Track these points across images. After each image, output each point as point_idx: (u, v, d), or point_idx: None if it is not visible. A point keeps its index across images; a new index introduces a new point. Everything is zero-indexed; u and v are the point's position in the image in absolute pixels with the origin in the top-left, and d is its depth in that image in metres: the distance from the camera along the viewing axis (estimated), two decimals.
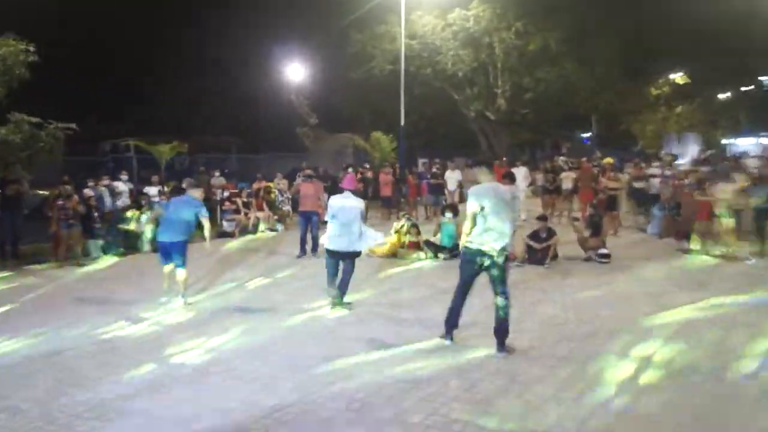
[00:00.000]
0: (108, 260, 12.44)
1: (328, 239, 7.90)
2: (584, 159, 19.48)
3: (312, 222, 12.34)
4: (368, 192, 19.28)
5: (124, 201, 14.95)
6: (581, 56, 28.61)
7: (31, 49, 12.53)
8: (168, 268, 8.46)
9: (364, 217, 8.19)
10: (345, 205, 7.90)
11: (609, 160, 16.69)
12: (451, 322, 6.41)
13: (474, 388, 5.33)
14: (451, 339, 6.41)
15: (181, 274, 8.36)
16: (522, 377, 5.55)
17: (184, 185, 9.63)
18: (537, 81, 28.91)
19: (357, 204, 7.96)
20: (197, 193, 8.72)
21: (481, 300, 7.09)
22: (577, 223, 12.55)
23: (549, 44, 27.90)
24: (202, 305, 8.53)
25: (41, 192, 17.86)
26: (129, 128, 26.92)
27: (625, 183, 16.80)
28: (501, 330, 6.14)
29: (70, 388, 5.46)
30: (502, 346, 6.14)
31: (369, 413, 4.87)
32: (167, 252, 8.41)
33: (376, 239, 8.16)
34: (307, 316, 7.85)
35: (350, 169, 15.50)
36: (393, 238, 12.55)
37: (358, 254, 8.04)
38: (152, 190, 15.46)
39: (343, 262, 7.93)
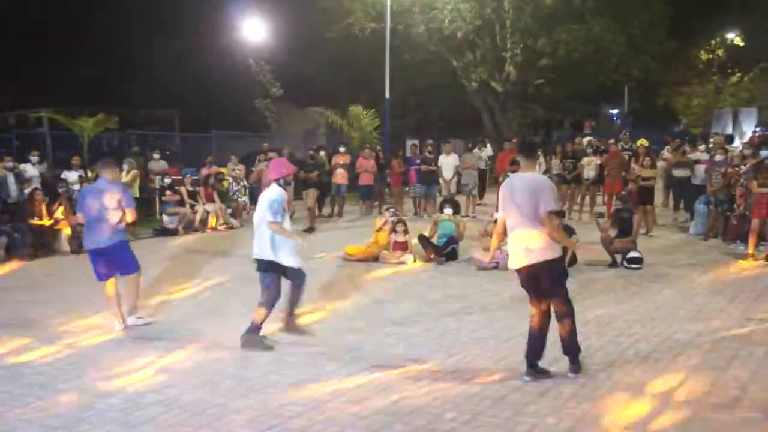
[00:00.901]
0: (14, 264, 12.35)
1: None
2: (612, 141, 19.60)
3: None
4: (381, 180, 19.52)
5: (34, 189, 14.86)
6: (612, 12, 28.70)
7: None
8: (111, 286, 8.10)
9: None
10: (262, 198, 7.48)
11: (643, 142, 16.85)
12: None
13: (473, 421, 5.38)
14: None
15: (131, 282, 8.15)
16: (532, 409, 5.61)
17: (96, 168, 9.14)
18: (556, 43, 29.03)
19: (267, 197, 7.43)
20: (110, 175, 8.28)
21: (481, 316, 7.16)
22: (602, 219, 12.65)
23: None
24: (135, 321, 8.52)
25: None
26: (41, 97, 26.67)
27: (662, 171, 16.94)
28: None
29: None
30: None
31: None
32: (103, 262, 8.07)
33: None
34: (265, 332, 7.85)
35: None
36: (374, 238, 12.61)
37: (280, 267, 7.45)
38: (71, 176, 15.36)
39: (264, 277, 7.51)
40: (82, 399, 5.92)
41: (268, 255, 7.31)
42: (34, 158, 15.73)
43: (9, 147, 19.23)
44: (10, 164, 14.67)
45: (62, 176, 15.31)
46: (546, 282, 6.27)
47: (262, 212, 7.36)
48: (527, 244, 6.23)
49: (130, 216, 8.15)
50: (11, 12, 30.22)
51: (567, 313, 6.34)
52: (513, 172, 13.34)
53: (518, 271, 6.43)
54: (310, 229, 15.93)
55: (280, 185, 7.44)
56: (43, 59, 31.46)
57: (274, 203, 7.27)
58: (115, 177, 8.45)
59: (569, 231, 11.39)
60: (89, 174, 16.06)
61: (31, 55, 31.28)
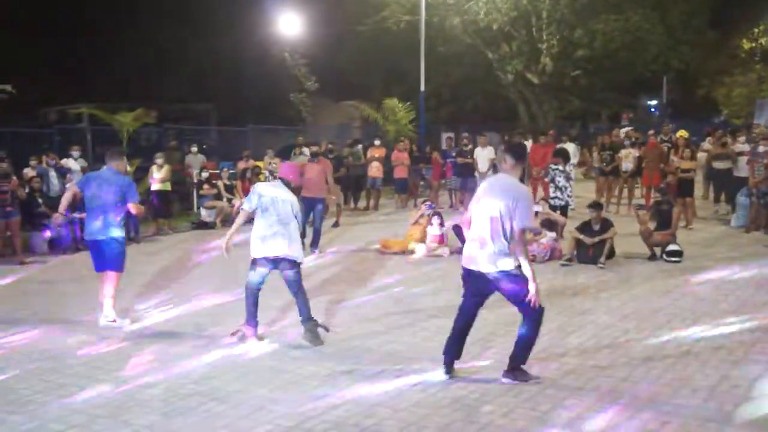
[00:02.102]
0: (57, 258, 12.57)
1: (258, 243, 7.36)
2: (651, 132, 19.38)
3: (316, 211, 12.48)
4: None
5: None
6: (650, 1, 28.36)
7: None
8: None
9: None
10: (278, 196, 7.41)
11: (683, 133, 16.64)
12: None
13: (511, 413, 5.38)
14: None
15: (111, 279, 8.08)
16: (571, 401, 5.59)
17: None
18: (593, 34, 28.75)
19: (292, 198, 7.50)
20: (117, 165, 8.26)
21: (498, 316, 7.15)
22: (641, 212, 12.54)
23: None
24: (173, 312, 8.65)
25: None
26: (81, 93, 27.04)
27: (702, 163, 16.71)
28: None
29: (10, 415, 5.55)
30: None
31: None
32: (97, 253, 8.09)
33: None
34: (300, 327, 7.91)
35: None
36: (409, 230, 12.63)
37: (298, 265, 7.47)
38: (73, 165, 15.43)
39: (281, 273, 7.45)
40: (123, 389, 6.02)
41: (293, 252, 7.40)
42: (75, 153, 15.95)
43: (51, 142, 19.52)
44: (52, 160, 14.90)
45: (61, 162, 15.40)
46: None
47: (289, 211, 7.42)
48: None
49: (134, 209, 8.18)
50: (54, 12, 30.74)
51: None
52: (555, 164, 13.34)
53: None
54: (336, 224, 15.80)
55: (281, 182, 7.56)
56: (83, 56, 31.90)
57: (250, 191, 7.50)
58: (121, 168, 8.41)
59: (607, 223, 11.32)
60: (129, 168, 16.24)
61: (72, 52, 31.75)
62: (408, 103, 26.58)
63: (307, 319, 7.31)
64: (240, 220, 7.52)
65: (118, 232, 8.05)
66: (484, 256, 5.85)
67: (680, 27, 29.71)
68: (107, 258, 8.04)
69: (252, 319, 7.39)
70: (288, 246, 7.29)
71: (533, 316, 5.93)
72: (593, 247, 11.01)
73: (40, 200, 13.28)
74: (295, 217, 7.35)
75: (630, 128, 21.21)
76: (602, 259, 10.85)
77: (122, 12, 32.28)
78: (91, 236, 8.05)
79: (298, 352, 6.99)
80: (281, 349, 7.10)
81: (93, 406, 5.67)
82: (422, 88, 25.30)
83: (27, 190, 13.15)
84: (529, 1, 28.71)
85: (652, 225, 11.62)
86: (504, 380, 6.00)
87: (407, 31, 28.68)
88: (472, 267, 5.96)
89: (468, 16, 29.04)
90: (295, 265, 7.35)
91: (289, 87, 31.54)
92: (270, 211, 7.31)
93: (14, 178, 12.70)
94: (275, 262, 7.31)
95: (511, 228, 5.75)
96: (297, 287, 7.35)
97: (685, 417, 5.30)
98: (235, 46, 32.07)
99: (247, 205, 7.46)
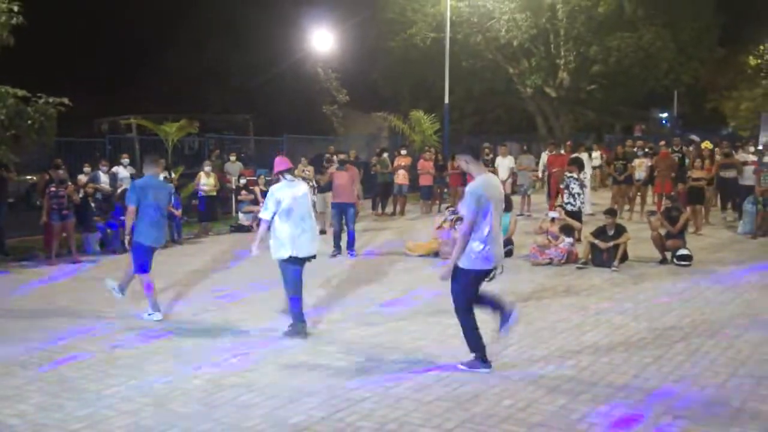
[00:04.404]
0: (108, 257, 12.72)
1: (293, 243, 7.19)
2: (663, 143, 19.24)
3: (348, 215, 12.52)
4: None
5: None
6: (662, 20, 28.14)
7: (15, 8, 12.16)
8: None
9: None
10: (296, 194, 7.30)
11: (707, 144, 16.49)
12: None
13: (529, 408, 5.36)
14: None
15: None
16: (586, 396, 5.55)
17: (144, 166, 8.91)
18: (608, 50, 28.60)
19: (306, 188, 7.55)
20: (156, 172, 8.37)
21: (536, 308, 7.11)
22: (653, 218, 12.42)
23: (623, 6, 27.52)
24: (215, 311, 8.72)
25: (28, 178, 18.41)
26: (129, 105, 27.36)
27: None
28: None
29: (65, 402, 5.63)
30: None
31: None
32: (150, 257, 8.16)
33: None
34: (335, 324, 7.96)
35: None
36: (434, 235, 12.61)
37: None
38: (122, 172, 15.59)
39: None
40: (168, 380, 6.08)
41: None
42: (125, 161, 16.14)
43: (103, 151, 19.78)
44: (105, 167, 15.10)
45: (113, 170, 15.57)
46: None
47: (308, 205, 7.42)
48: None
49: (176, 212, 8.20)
50: (107, 31, 31.17)
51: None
52: (570, 173, 13.31)
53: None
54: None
55: (285, 178, 7.43)
56: (132, 71, 32.32)
57: (267, 196, 7.32)
58: (158, 173, 8.52)
59: (621, 229, 11.22)
60: (173, 175, 16.42)
61: (123, 67, 32.25)
62: (433, 114, 26.59)
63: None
64: (263, 229, 7.39)
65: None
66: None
67: (691, 44, 29.46)
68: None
69: (302, 313, 7.38)
70: (316, 244, 7.36)
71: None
72: (607, 251, 10.93)
73: (92, 204, 13.45)
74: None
75: (641, 140, 21.02)
76: (616, 263, 10.76)
77: (168, 30, 32.64)
78: (156, 243, 8.11)
79: (330, 348, 7.01)
80: (314, 345, 7.12)
81: (140, 395, 5.74)
82: (446, 100, 25.30)
83: (81, 195, 13.32)
84: (548, 19, 28.62)
85: (663, 230, 11.52)
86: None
87: (433, 47, 28.71)
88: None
89: (490, 33, 29.01)
90: (312, 260, 7.42)
91: (322, 99, 31.67)
92: (294, 211, 7.23)
93: (70, 183, 12.89)
94: (305, 260, 7.33)
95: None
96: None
97: (694, 412, 5.26)
98: (271, 61, 32.27)
99: (266, 213, 7.28)
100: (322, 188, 16.03)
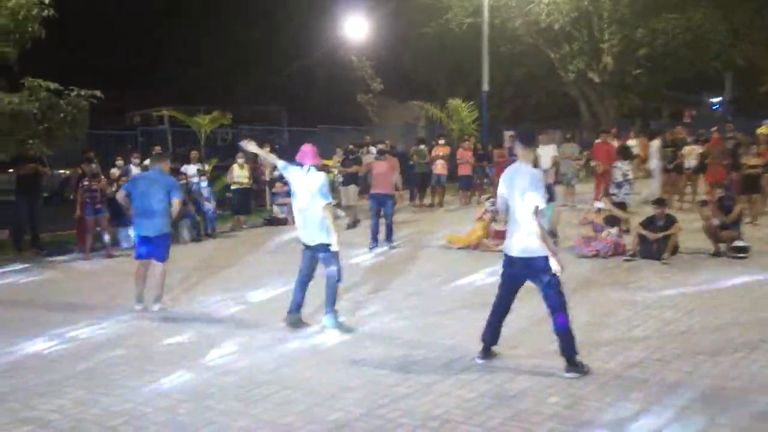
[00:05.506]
0: None
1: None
2: (715, 129, 18.89)
3: (386, 207, 12.52)
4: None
5: None
6: (713, 0, 27.62)
7: (46, 0, 12.44)
8: (142, 267, 8.54)
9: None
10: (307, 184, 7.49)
11: (764, 129, 16.15)
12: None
13: (576, 405, 5.31)
14: None
15: (159, 272, 8.48)
16: (637, 394, 5.48)
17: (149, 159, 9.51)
18: (654, 33, 28.10)
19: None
20: (165, 166, 8.78)
21: (582, 301, 7.03)
22: (705, 208, 12.21)
23: None
24: (251, 304, 8.80)
25: (62, 171, 18.75)
26: (161, 96, 27.68)
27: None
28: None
29: (102, 397, 5.74)
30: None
31: None
32: (146, 246, 8.50)
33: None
34: (374, 318, 7.97)
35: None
36: (474, 226, 12.56)
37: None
38: (191, 169, 15.85)
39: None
40: (204, 376, 6.16)
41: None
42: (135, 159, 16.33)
43: (135, 143, 20.06)
44: (137, 159, 15.28)
45: (182, 170, 15.82)
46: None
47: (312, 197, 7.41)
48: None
49: (177, 205, 8.50)
50: (138, 24, 31.53)
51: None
52: (622, 161, 13.18)
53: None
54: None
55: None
56: (165, 62, 32.64)
57: (323, 187, 7.40)
58: (167, 168, 8.91)
59: (671, 219, 11.05)
60: (206, 167, 16.59)
61: (155, 58, 32.57)
62: (471, 102, 26.44)
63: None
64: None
65: (168, 227, 8.55)
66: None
67: (744, 25, 28.83)
68: (157, 250, 8.46)
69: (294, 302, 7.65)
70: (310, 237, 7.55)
71: (555, 303, 5.97)
72: (657, 243, 10.77)
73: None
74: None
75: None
76: (666, 255, 10.60)
77: (201, 21, 32.94)
78: (146, 232, 8.42)
79: (369, 342, 7.04)
80: (352, 339, 7.15)
81: (177, 391, 5.82)
82: (485, 87, 25.13)
83: (114, 189, 13.51)
84: (590, 1, 28.23)
85: (716, 221, 11.29)
86: (566, 375, 5.91)
87: (470, 32, 28.50)
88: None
89: (530, 17, 28.71)
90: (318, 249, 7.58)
91: (356, 88, 31.70)
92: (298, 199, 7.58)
93: (103, 177, 13.08)
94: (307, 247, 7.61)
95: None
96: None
97: (753, 413, 5.15)
98: (304, 50, 32.39)
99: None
100: (346, 180, 16.07)
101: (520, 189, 5.96)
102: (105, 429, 5.13)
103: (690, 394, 5.49)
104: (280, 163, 7.88)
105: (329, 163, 19.31)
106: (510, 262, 6.20)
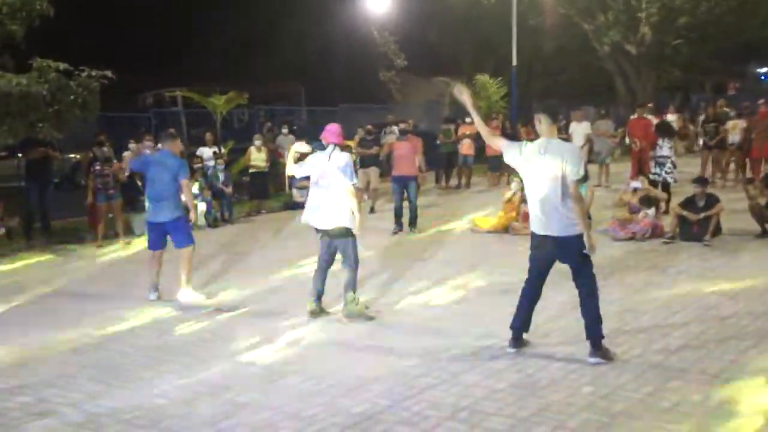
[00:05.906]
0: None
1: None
2: (761, 101, 18.60)
3: (409, 189, 12.51)
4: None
5: None
6: None
7: None
8: (158, 253, 8.63)
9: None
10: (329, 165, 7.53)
11: None
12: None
13: (612, 395, 5.30)
14: None
15: (185, 256, 8.53)
16: (676, 383, 5.46)
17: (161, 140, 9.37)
18: (696, 0, 27.67)
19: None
20: (175, 147, 8.77)
21: (618, 287, 6.99)
22: (750, 186, 12.07)
23: None
24: (271, 293, 8.87)
25: (72, 156, 18.92)
26: (174, 76, 27.78)
27: None
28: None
29: (116, 390, 5.83)
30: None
31: (479, 424, 4.94)
32: (157, 234, 8.58)
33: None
34: (399, 306, 8.00)
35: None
36: (503, 209, 12.53)
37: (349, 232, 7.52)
38: (206, 152, 15.92)
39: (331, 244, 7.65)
40: (225, 367, 6.22)
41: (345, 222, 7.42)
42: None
43: (148, 126, 20.17)
44: (150, 142, 15.34)
45: (197, 153, 15.89)
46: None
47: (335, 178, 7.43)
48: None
49: (185, 186, 8.52)
50: (149, 5, 31.64)
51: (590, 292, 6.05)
52: (662, 139, 13.05)
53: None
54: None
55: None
56: (178, 41, 32.69)
57: (348, 167, 7.44)
58: (177, 150, 8.89)
59: (713, 199, 10.93)
60: (222, 150, 16.66)
61: (168, 38, 32.60)
62: (499, 78, 26.26)
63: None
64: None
65: (181, 212, 8.52)
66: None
67: None
68: (174, 236, 8.52)
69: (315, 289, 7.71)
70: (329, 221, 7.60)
71: (587, 284, 5.99)
72: (698, 224, 10.66)
73: (138, 182, 13.72)
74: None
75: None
76: (707, 237, 10.49)
77: None
78: (155, 219, 8.49)
79: (393, 331, 7.07)
80: (378, 329, 7.18)
81: (195, 383, 5.89)
82: (514, 62, 24.97)
83: (127, 173, 13.61)
84: None
85: (762, 200, 11.15)
86: (591, 360, 5.93)
87: (497, 4, 28.27)
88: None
89: None
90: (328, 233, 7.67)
91: (378, 64, 31.59)
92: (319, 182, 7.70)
93: (115, 161, 13.18)
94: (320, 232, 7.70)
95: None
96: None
97: None
98: (323, 26, 32.30)
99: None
100: (364, 162, 16.00)
101: (554, 165, 5.91)
102: (119, 422, 5.21)
103: (735, 383, 5.45)
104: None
105: (351, 143, 19.32)
106: (539, 241, 6.14)
